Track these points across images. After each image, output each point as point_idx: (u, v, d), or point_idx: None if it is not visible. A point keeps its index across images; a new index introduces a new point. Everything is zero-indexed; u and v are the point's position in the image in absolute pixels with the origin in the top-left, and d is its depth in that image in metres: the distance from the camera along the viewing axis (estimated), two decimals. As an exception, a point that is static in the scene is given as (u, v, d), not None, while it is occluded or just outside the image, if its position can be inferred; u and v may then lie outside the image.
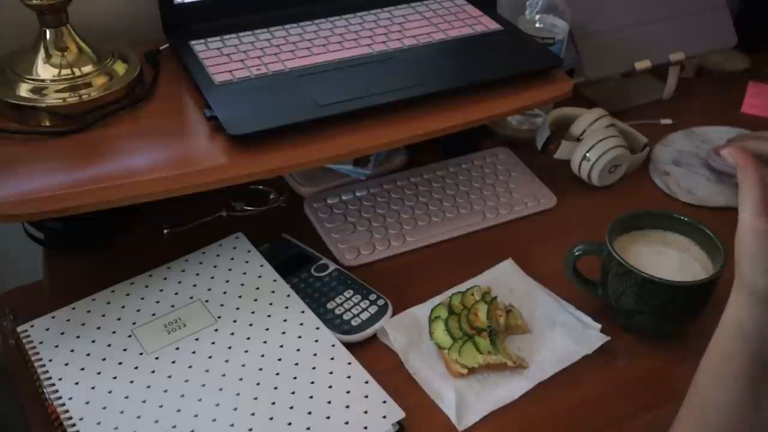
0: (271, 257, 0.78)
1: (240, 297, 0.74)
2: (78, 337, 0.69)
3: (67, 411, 0.63)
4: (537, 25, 0.95)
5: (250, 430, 0.62)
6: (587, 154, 0.89)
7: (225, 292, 0.74)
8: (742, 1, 1.17)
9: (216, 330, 0.71)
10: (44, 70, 0.74)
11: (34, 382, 0.67)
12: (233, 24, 0.86)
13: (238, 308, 0.73)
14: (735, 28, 1.10)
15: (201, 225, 0.83)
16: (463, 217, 0.86)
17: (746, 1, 1.18)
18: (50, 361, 0.67)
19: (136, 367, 0.67)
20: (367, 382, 0.66)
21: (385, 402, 0.65)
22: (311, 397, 0.65)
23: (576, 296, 0.76)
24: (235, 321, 0.72)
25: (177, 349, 0.69)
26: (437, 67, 0.83)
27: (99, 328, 0.70)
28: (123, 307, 0.72)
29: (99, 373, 0.66)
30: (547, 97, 0.84)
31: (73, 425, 0.62)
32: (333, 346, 0.70)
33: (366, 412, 0.64)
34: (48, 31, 0.74)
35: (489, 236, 0.85)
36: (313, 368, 0.67)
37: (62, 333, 0.70)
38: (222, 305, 0.73)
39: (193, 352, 0.69)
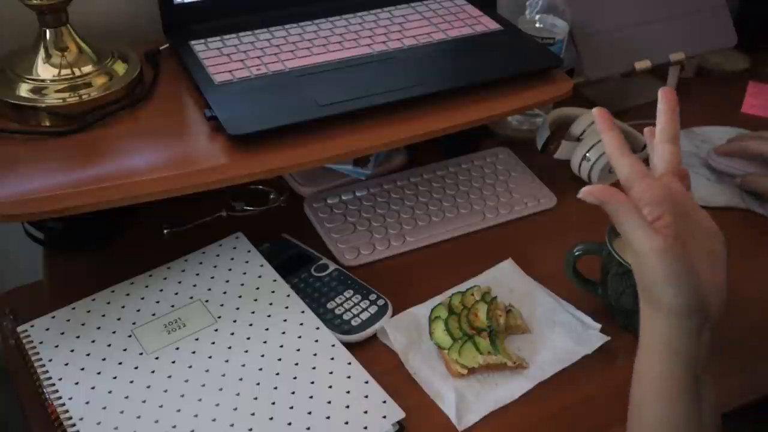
0: (271, 257, 0.78)
1: (240, 297, 0.74)
2: (78, 337, 0.69)
3: (67, 411, 0.63)
4: (537, 25, 0.95)
5: (250, 430, 0.62)
6: (587, 154, 0.89)
7: (225, 292, 0.74)
8: (742, 1, 1.17)
9: (216, 330, 0.71)
10: (44, 70, 0.74)
11: (34, 382, 0.66)
12: (233, 24, 0.86)
13: (238, 308, 0.73)
14: (735, 28, 1.10)
15: (201, 225, 0.83)
16: (463, 217, 0.86)
17: (746, 1, 1.18)
18: (50, 361, 0.67)
19: (136, 367, 0.67)
20: (367, 382, 0.66)
21: (385, 402, 0.65)
22: (311, 397, 0.65)
23: (576, 296, 0.76)
24: (235, 321, 0.72)
25: (177, 349, 0.69)
26: (437, 67, 0.83)
27: (99, 328, 0.70)
28: (123, 307, 0.72)
29: (99, 373, 0.66)
30: (547, 97, 0.84)
31: (73, 425, 0.62)
32: (333, 346, 0.70)
33: (366, 412, 0.64)
34: (48, 31, 0.74)
35: (489, 236, 0.85)
36: (313, 368, 0.67)
37: (62, 333, 0.70)
38: (222, 305, 0.73)
39: (193, 352, 0.69)
